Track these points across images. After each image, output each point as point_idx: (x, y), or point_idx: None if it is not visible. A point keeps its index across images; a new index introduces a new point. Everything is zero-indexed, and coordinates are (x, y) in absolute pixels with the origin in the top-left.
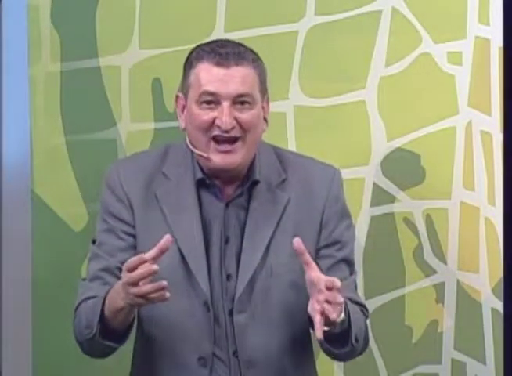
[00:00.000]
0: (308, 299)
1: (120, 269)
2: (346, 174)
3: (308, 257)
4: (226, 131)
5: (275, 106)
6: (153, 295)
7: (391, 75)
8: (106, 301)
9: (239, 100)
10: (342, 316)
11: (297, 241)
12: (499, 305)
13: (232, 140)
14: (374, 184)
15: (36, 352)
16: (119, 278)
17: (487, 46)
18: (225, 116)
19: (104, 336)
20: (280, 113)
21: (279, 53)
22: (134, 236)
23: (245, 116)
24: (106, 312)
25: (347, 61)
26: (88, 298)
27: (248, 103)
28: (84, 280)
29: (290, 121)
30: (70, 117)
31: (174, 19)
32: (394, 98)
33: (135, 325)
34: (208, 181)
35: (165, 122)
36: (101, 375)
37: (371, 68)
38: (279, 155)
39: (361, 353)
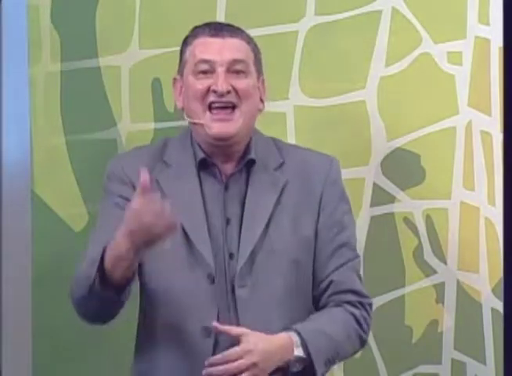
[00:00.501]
0: (309, 275)
1: None
2: (346, 174)
3: (234, 331)
4: (222, 96)
5: (275, 106)
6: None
7: (391, 75)
8: (107, 252)
9: (235, 69)
10: (296, 353)
11: (215, 326)
12: (499, 305)
13: (229, 107)
14: (374, 184)
15: (36, 352)
16: None
17: (487, 46)
18: (220, 80)
19: (103, 287)
20: (280, 113)
21: (279, 53)
22: None
23: (240, 83)
24: (107, 262)
25: (347, 61)
26: None
27: (243, 72)
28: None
29: (290, 121)
30: (70, 117)
31: (174, 19)
32: (394, 98)
33: (137, 289)
34: (209, 159)
35: (165, 122)
36: (101, 374)
37: (371, 68)
38: (278, 145)
39: (356, 352)
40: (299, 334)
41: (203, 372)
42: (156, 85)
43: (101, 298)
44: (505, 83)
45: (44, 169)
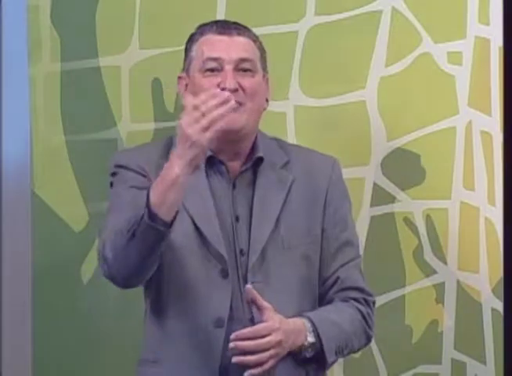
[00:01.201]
0: (317, 271)
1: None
2: (346, 174)
3: (261, 302)
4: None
5: (275, 106)
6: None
7: (391, 75)
8: (152, 188)
9: (242, 67)
10: (309, 339)
11: (248, 289)
12: (499, 305)
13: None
14: (374, 184)
15: (36, 352)
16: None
17: (487, 46)
18: (228, 78)
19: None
20: (280, 113)
21: (279, 53)
22: None
23: (247, 82)
24: (154, 196)
25: (347, 61)
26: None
27: (250, 70)
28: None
29: (290, 121)
30: (70, 117)
31: (174, 19)
32: (394, 98)
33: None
34: (216, 157)
35: (165, 122)
36: (102, 374)
37: (371, 68)
38: (280, 144)
39: (362, 348)
40: (310, 320)
41: (230, 344)
42: (156, 85)
43: (146, 238)
44: (505, 83)
45: (44, 169)
